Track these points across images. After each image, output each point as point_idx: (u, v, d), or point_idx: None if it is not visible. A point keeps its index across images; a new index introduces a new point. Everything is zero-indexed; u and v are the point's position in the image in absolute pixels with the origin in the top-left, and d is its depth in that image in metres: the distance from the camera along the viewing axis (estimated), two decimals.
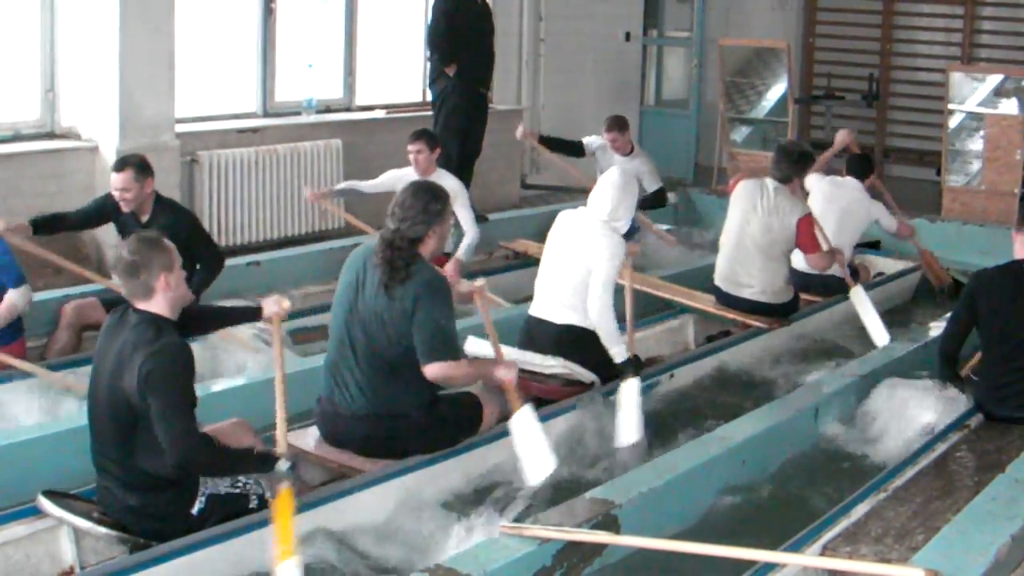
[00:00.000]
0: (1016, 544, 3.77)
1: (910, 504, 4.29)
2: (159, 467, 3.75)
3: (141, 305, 3.82)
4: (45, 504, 3.82)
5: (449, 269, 6.54)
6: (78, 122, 7.45)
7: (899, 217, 7.75)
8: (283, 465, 3.89)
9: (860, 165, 7.57)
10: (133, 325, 3.79)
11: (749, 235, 6.48)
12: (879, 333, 6.37)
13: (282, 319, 4.37)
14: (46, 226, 5.85)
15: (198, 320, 4.35)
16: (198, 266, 5.79)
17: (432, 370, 4.36)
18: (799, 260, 6.72)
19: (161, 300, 3.81)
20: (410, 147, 7.10)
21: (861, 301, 6.54)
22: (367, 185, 7.42)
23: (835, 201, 7.20)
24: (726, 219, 6.68)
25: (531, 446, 4.55)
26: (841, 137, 7.91)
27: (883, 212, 7.50)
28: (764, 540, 3.92)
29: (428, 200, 4.44)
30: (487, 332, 4.93)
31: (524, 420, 4.59)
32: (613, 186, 5.44)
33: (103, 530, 3.80)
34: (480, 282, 5.02)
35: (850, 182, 7.40)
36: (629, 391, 5.15)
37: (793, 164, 6.54)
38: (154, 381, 3.65)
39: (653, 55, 12.30)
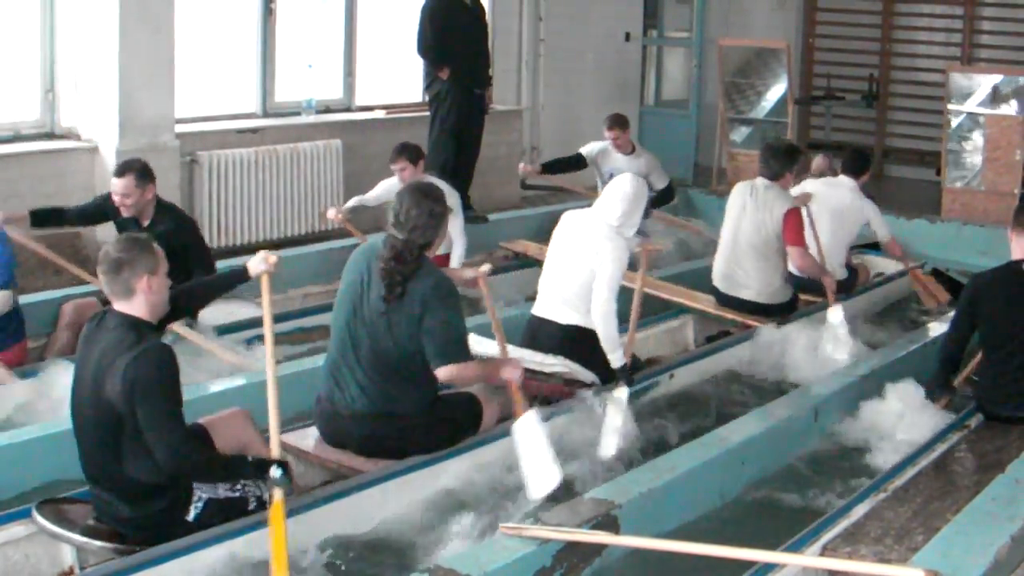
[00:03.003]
0: (1016, 544, 3.77)
1: (910, 504, 4.29)
2: (149, 475, 3.69)
3: (120, 307, 3.73)
4: (40, 520, 3.77)
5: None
6: (78, 122, 7.45)
7: (894, 236, 7.47)
8: (276, 472, 3.77)
9: (855, 162, 7.40)
10: (112, 328, 3.71)
11: (743, 234, 6.51)
12: (842, 348, 6.19)
13: (271, 274, 4.29)
14: (45, 219, 5.89)
15: (184, 300, 4.30)
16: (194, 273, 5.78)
17: (443, 372, 4.38)
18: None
19: (141, 302, 3.72)
20: (393, 166, 7.13)
21: (837, 318, 6.29)
22: (370, 198, 7.41)
23: (827, 201, 7.11)
24: (723, 221, 6.70)
25: (534, 455, 4.45)
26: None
27: (875, 214, 7.31)
28: (764, 540, 3.92)
29: (432, 205, 4.45)
30: (491, 320, 4.99)
31: (527, 426, 4.51)
32: (626, 198, 5.42)
33: (98, 543, 3.75)
34: (485, 268, 5.08)
35: (843, 180, 7.31)
36: (617, 401, 5.12)
37: (781, 159, 6.55)
38: (140, 389, 3.56)
39: (653, 55, 12.30)
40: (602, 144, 8.61)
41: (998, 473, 4.38)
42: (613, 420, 5.04)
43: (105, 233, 6.60)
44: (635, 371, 5.46)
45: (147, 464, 3.66)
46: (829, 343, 6.22)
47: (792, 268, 6.65)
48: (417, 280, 4.35)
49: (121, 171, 5.67)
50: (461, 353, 4.41)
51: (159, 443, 3.59)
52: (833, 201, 7.15)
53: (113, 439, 3.67)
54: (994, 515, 3.91)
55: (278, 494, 3.72)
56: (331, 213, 7.27)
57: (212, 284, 4.64)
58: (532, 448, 4.46)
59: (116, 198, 5.67)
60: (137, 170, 5.64)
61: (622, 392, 5.15)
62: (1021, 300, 5.10)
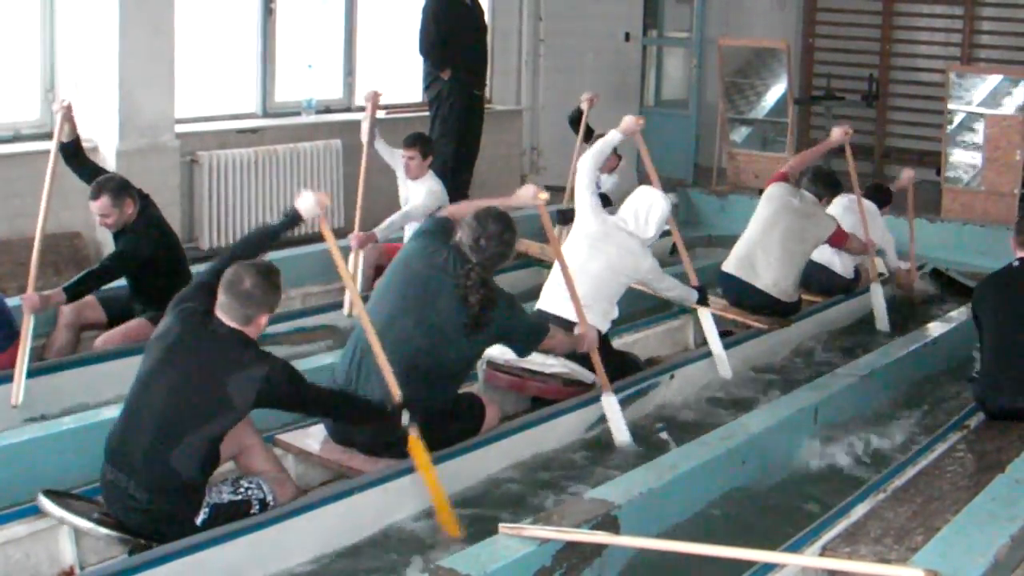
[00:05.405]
0: (1016, 544, 3.77)
1: (910, 504, 4.29)
2: (187, 471, 3.79)
3: (230, 323, 3.91)
4: (45, 503, 3.82)
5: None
6: (78, 122, 7.41)
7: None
8: (405, 416, 4.26)
9: (881, 196, 7.81)
10: (225, 336, 3.88)
11: (779, 230, 6.65)
12: (883, 321, 7.12)
13: (324, 212, 4.52)
14: (80, 292, 5.54)
15: (243, 256, 4.28)
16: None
17: (535, 351, 4.91)
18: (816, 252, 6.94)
19: (252, 330, 3.96)
20: (403, 153, 7.13)
21: (877, 293, 7.17)
22: (407, 216, 7.06)
23: (844, 221, 7.20)
24: (755, 214, 6.82)
25: (617, 427, 5.11)
26: (837, 135, 7.19)
27: (888, 247, 7.62)
28: (764, 540, 3.92)
29: (511, 237, 4.64)
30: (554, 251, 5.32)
31: (611, 404, 5.13)
32: (657, 219, 5.64)
33: (103, 531, 3.80)
34: (544, 195, 5.11)
35: (871, 207, 7.50)
36: (707, 321, 6.03)
37: (827, 187, 7.05)
38: (288, 387, 3.93)
39: (653, 55, 12.27)
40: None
41: (998, 473, 4.38)
42: (712, 339, 6.02)
43: (104, 234, 6.58)
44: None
45: (191, 461, 3.80)
46: (876, 316, 7.14)
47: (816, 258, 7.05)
48: (495, 309, 4.49)
49: (95, 193, 5.56)
50: (540, 334, 4.82)
51: (325, 411, 4.33)
52: (849, 222, 7.25)
53: (182, 428, 3.79)
54: (994, 515, 3.91)
55: (415, 431, 4.26)
56: (353, 240, 6.82)
57: (263, 238, 4.62)
58: (615, 421, 5.11)
59: (97, 219, 5.64)
60: (111, 189, 5.55)
61: (705, 313, 6.06)
62: (1015, 294, 5.17)
